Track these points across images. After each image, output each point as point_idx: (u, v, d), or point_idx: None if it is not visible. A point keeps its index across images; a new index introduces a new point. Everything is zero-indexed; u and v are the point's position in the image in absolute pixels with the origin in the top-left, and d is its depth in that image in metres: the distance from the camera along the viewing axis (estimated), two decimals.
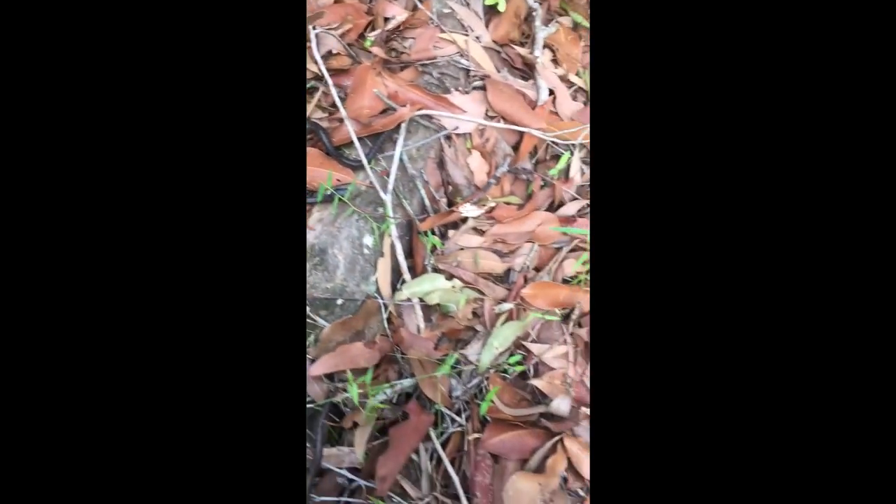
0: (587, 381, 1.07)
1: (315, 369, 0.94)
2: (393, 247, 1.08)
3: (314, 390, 0.94)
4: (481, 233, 1.16)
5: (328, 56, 1.21)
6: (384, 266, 1.06)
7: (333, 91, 1.14)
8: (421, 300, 1.06)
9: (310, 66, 1.21)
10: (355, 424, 0.95)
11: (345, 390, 0.94)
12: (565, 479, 1.00)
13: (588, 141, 1.24)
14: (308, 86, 1.22)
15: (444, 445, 1.00)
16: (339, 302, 1.02)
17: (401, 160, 1.13)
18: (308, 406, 0.95)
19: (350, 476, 0.93)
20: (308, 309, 1.01)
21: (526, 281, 1.13)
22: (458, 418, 1.01)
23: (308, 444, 0.93)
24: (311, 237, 1.06)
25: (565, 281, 1.15)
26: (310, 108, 1.19)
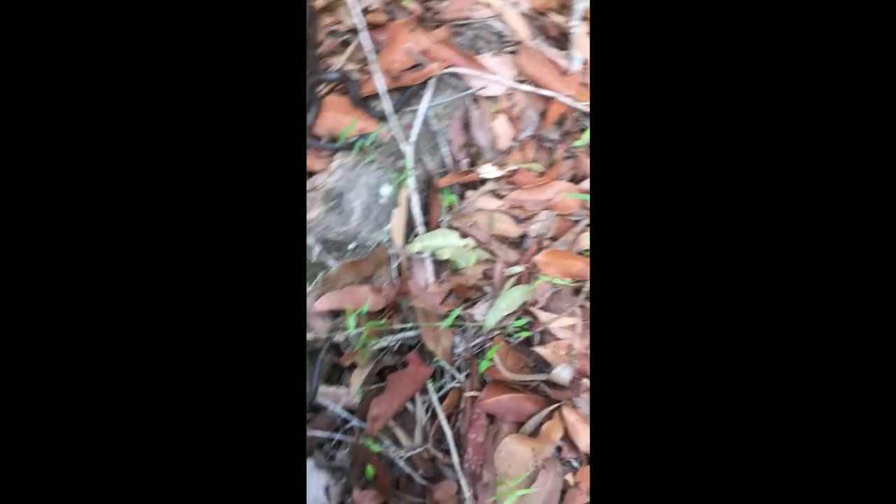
0: None
1: (319, 304, 0.94)
2: (409, 199, 1.08)
3: (316, 325, 0.95)
4: (500, 197, 1.15)
5: (365, 11, 1.22)
6: (399, 216, 1.06)
7: (367, 44, 1.15)
8: (432, 254, 1.06)
9: (346, 19, 1.22)
10: (353, 365, 0.96)
11: (346, 329, 0.94)
12: (559, 449, 0.99)
13: None
14: (343, 38, 1.23)
15: (441, 400, 1.00)
16: (351, 246, 1.03)
17: (425, 116, 1.13)
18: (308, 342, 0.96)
19: (344, 415, 0.93)
20: (321, 249, 1.02)
21: (540, 248, 1.11)
22: (457, 375, 1.01)
23: (307, 380, 0.94)
24: (329, 180, 1.07)
25: (580, 254, 1.13)
26: (342, 59, 1.21)
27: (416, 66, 1.15)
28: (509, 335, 1.05)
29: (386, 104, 1.10)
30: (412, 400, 1.00)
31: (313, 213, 1.05)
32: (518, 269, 1.07)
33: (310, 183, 1.08)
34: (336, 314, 0.97)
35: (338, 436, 0.93)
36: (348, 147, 1.09)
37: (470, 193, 1.14)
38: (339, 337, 0.96)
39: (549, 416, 1.00)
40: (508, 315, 1.05)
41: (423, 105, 1.13)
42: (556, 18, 1.27)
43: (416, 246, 1.05)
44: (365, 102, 1.13)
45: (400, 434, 0.98)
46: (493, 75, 1.17)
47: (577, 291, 1.10)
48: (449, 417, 0.99)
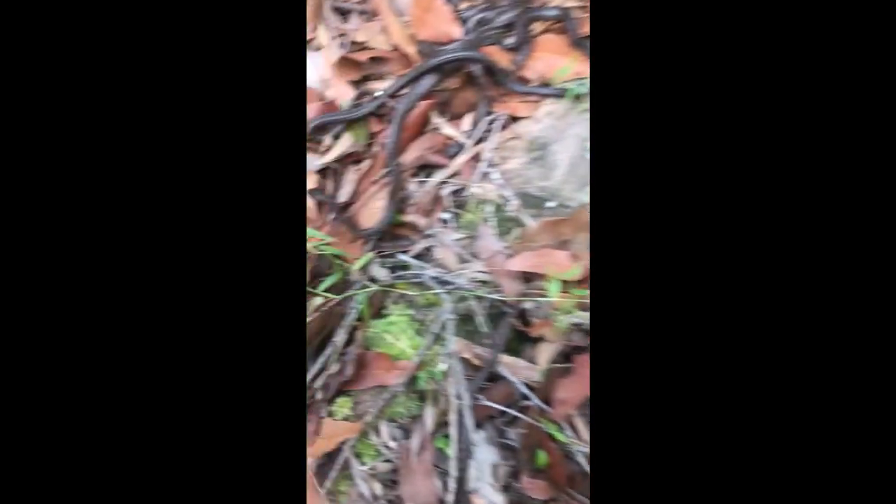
0: None
1: (513, 264, 0.84)
2: None
3: (507, 286, 0.85)
4: None
5: None
6: None
7: None
8: None
9: None
10: (542, 338, 0.84)
11: (540, 296, 0.83)
12: None
13: None
14: None
15: None
16: (552, 204, 0.91)
17: None
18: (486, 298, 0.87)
19: (524, 391, 0.83)
20: (518, 203, 0.91)
21: None
22: None
23: (488, 345, 0.85)
24: (535, 128, 0.95)
25: None
26: None
27: None
28: None
29: None
30: None
31: (513, 163, 0.94)
32: None
33: (512, 130, 0.97)
34: (528, 277, 0.86)
35: (513, 412, 0.83)
36: (560, 93, 0.96)
37: None
38: (528, 303, 0.85)
39: None
40: None
41: None
42: None
43: None
44: (585, 43, 0.98)
45: (581, 426, 0.85)
46: None
47: None
48: None
